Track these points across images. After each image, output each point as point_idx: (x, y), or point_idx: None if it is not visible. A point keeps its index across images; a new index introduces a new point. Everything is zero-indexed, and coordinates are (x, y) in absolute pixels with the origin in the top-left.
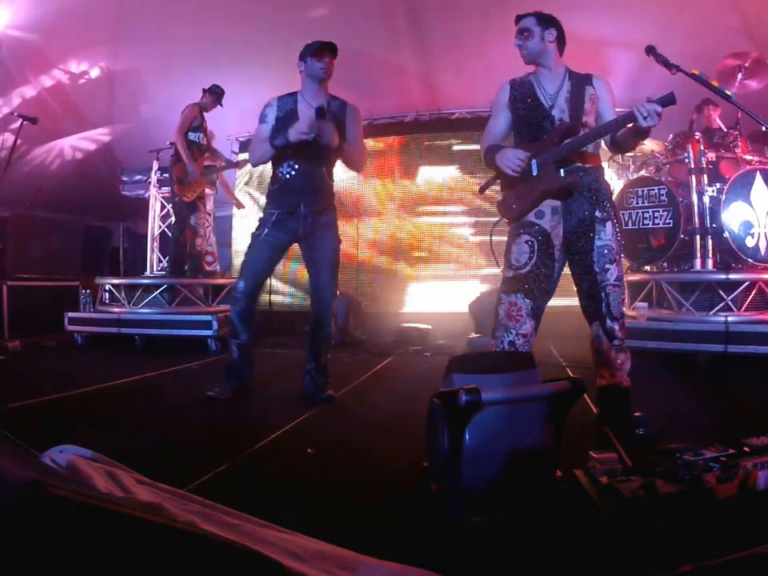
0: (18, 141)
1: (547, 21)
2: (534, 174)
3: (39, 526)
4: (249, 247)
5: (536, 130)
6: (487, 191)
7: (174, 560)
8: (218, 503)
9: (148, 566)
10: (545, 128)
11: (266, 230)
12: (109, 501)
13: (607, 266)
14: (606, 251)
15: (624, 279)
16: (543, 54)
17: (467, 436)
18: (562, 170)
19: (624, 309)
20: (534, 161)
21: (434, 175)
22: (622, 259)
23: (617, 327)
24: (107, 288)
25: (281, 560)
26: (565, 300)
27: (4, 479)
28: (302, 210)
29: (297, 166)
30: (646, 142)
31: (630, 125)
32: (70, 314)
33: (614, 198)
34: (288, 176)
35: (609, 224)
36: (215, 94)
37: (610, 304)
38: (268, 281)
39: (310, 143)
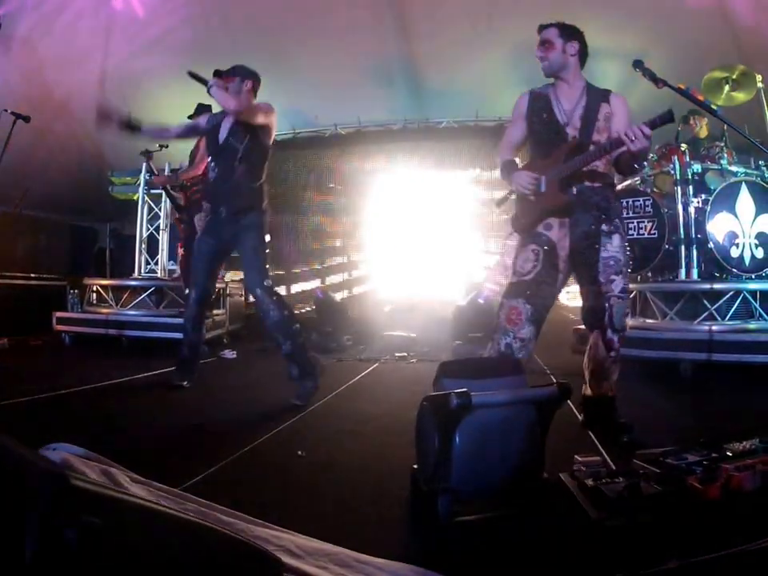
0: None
1: (570, 33)
2: (542, 190)
3: (69, 516)
4: (193, 255)
5: (549, 146)
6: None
7: (184, 550)
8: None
9: (162, 554)
10: (558, 145)
11: (202, 237)
12: (126, 493)
13: (613, 276)
14: (612, 262)
15: (629, 292)
16: (564, 67)
17: (457, 438)
18: (574, 188)
19: (626, 322)
20: (542, 178)
21: (424, 181)
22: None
23: (615, 339)
24: (95, 289)
25: (278, 556)
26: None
27: (34, 468)
28: (223, 213)
29: (216, 169)
30: None
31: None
32: (58, 314)
33: None
34: (212, 179)
35: (616, 236)
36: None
37: (612, 315)
38: None
39: (220, 144)
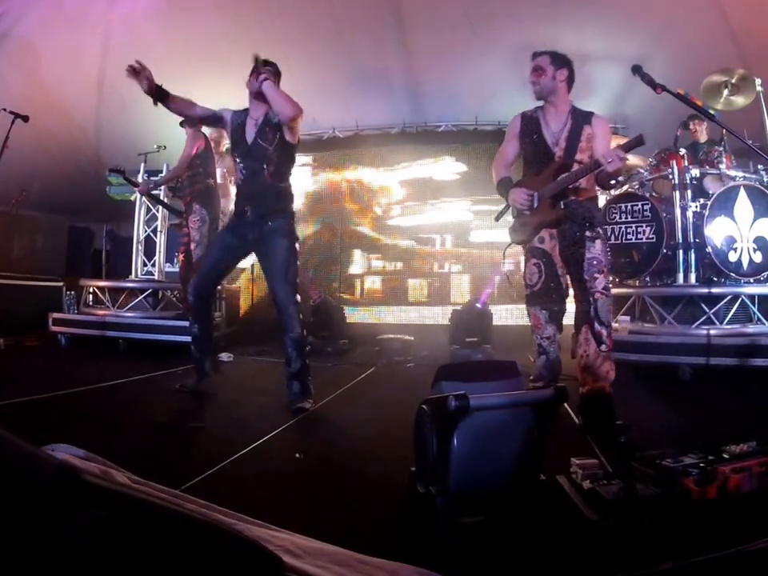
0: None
1: (561, 61)
2: (535, 206)
3: (77, 512)
4: (206, 246)
5: (539, 164)
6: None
7: (187, 545)
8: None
9: (165, 549)
10: (546, 164)
11: (221, 233)
12: (133, 489)
13: (596, 275)
14: (594, 262)
15: (611, 290)
16: (553, 92)
17: (455, 440)
18: (561, 203)
19: (611, 318)
20: (535, 195)
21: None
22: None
23: (604, 332)
24: (91, 290)
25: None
26: None
27: (39, 463)
28: (249, 215)
29: (244, 170)
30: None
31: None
32: (54, 315)
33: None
34: (240, 181)
35: (598, 241)
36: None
37: (597, 309)
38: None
39: (248, 144)
